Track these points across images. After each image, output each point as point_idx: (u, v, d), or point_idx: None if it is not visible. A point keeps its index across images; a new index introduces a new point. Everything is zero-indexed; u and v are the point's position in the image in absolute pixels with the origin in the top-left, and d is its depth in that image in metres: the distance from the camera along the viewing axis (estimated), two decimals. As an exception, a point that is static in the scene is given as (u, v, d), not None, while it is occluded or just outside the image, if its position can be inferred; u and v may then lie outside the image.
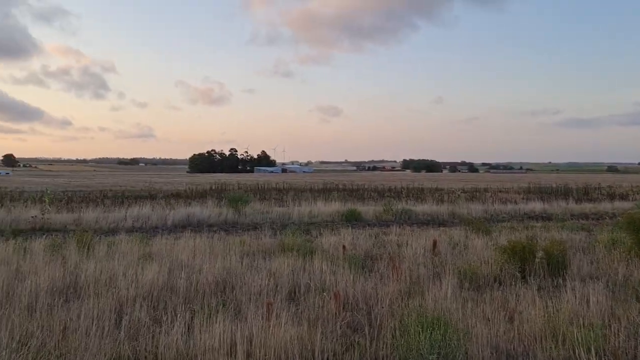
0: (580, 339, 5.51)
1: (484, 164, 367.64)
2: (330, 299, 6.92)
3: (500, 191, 42.48)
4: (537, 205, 26.55)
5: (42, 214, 18.71)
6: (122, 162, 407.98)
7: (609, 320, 6.22)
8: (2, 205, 23.25)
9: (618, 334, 5.73)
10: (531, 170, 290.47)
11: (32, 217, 18.22)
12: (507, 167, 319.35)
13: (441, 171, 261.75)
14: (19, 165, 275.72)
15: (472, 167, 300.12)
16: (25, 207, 22.03)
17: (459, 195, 33.20)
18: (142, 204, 24.23)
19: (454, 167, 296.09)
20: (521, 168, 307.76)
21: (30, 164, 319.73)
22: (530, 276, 8.72)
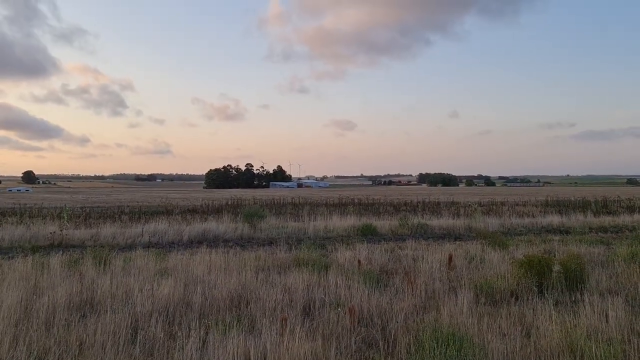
0: (598, 355, 5.42)
1: (500, 178, 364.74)
2: (345, 313, 6.90)
3: (517, 204, 42.05)
4: (554, 219, 26.20)
5: (61, 230, 18.95)
6: (139, 178, 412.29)
7: (629, 336, 6.10)
8: (21, 221, 23.62)
9: (638, 350, 5.63)
10: (549, 183, 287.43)
11: (51, 233, 18.46)
12: (524, 181, 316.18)
13: (457, 185, 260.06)
14: (38, 182, 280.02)
15: (488, 181, 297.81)
16: (44, 223, 22.34)
17: (475, 209, 32.94)
18: (158, 219, 24.45)
19: (470, 180, 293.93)
20: (538, 181, 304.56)
21: (49, 181, 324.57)
22: (547, 291, 8.61)
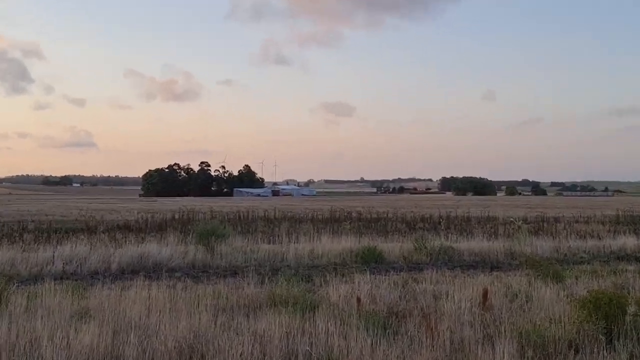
0: None
1: (553, 184, 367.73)
2: (339, 372, 6.91)
3: (577, 221, 42.43)
4: (629, 241, 26.39)
5: None
6: (48, 182, 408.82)
7: None
8: None
9: None
10: (620, 192, 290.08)
11: None
12: (587, 188, 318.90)
13: (495, 194, 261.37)
14: None
15: (537, 188, 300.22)
16: None
17: (519, 227, 33.15)
18: (76, 240, 24.17)
19: (512, 188, 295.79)
20: (606, 189, 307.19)
21: None
22: (618, 340, 8.68)
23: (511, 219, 38.93)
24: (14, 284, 13.82)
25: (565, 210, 65.26)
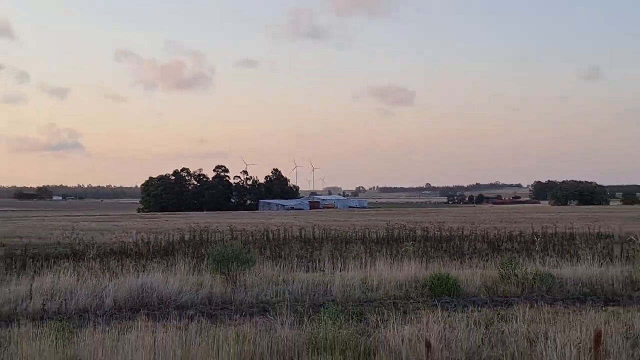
0: None
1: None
2: None
3: None
4: None
5: None
6: (22, 195, 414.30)
7: None
8: None
9: None
10: None
11: None
12: None
13: (607, 203, 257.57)
14: None
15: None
16: None
17: (642, 246, 32.62)
18: (59, 269, 24.11)
19: (631, 195, 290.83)
20: None
21: None
22: None
23: (631, 237, 38.39)
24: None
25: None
